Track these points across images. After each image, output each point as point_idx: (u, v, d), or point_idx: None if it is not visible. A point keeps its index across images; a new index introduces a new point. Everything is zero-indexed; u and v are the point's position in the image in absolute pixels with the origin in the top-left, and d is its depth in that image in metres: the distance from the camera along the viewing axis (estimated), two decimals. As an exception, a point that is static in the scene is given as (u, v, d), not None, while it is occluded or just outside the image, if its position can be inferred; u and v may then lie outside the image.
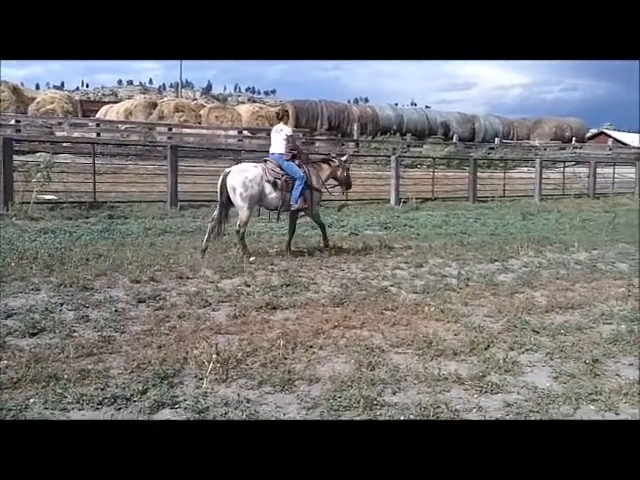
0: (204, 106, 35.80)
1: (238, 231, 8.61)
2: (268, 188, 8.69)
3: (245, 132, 29.51)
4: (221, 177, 8.63)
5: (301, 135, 30.48)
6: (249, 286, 6.84)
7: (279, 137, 9.02)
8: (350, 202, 16.59)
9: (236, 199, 8.52)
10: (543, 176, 21.80)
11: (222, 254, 8.63)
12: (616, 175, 25.08)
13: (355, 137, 32.51)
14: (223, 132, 28.86)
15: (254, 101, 75.02)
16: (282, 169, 8.82)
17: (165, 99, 39.94)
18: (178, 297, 6.30)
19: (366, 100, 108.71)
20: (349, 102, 60.40)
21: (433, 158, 23.91)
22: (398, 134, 34.68)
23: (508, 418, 3.75)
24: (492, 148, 33.71)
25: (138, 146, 21.98)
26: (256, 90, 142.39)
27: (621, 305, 6.58)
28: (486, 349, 4.92)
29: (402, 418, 3.68)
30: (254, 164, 8.93)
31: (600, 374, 4.46)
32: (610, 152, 39.26)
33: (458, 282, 7.45)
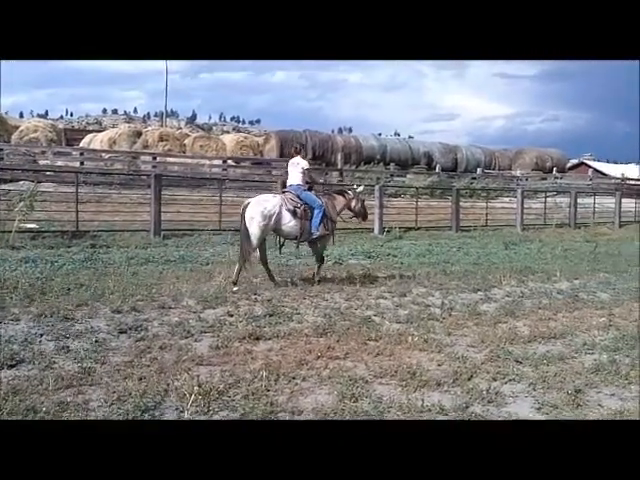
0: (189, 135, 35.88)
1: (244, 257, 8.78)
2: (287, 217, 8.92)
3: (229, 161, 29.57)
4: (242, 207, 8.88)
5: (285, 165, 30.63)
6: (232, 316, 6.81)
7: (296, 170, 9.36)
8: (335, 231, 16.59)
9: (251, 227, 8.71)
10: (525, 206, 22.00)
11: (205, 283, 8.58)
12: (596, 205, 25.39)
13: (339, 167, 32.66)
14: (207, 161, 28.87)
15: (239, 130, 75.37)
16: (301, 199, 9.10)
17: (149, 128, 40.07)
18: (160, 327, 6.25)
19: (350, 130, 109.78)
20: (333, 132, 60.93)
21: (416, 188, 24.06)
22: (382, 164, 34.89)
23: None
24: (474, 178, 34.00)
25: (122, 175, 21.96)
26: (241, 120, 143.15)
27: (602, 335, 6.62)
28: (469, 379, 4.92)
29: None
30: (273, 194, 9.39)
31: (582, 405, 4.47)
32: (590, 182, 39.71)
33: (441, 312, 7.46)
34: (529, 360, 5.51)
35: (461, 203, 20.75)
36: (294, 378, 4.83)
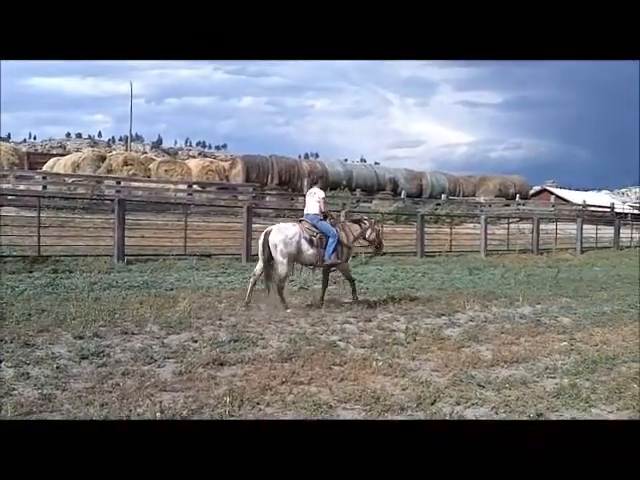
0: (154, 160, 35.74)
1: (278, 285, 9.24)
2: (305, 245, 9.37)
3: (195, 186, 29.47)
4: (262, 236, 9.35)
5: (251, 190, 30.62)
6: (196, 342, 6.75)
7: (313, 199, 9.81)
8: (300, 256, 16.63)
9: (277, 255, 9.15)
10: (488, 232, 22.31)
11: (170, 309, 8.50)
12: (559, 231, 25.86)
13: (305, 192, 32.77)
14: (172, 186, 28.74)
15: (205, 155, 75.21)
16: (316, 227, 9.56)
17: (114, 152, 39.79)
18: (122, 353, 6.17)
19: (316, 155, 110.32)
20: (300, 157, 61.13)
21: (382, 213, 24.24)
22: (347, 189, 35.14)
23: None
24: (439, 204, 34.40)
25: (85, 199, 21.70)
26: (207, 144, 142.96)
27: (564, 359, 6.71)
28: (432, 404, 4.94)
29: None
30: (292, 223, 9.77)
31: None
32: (552, 209, 40.55)
33: (406, 336, 7.49)
34: (492, 384, 5.56)
35: (426, 229, 20.97)
36: (258, 404, 4.80)
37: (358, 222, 10.56)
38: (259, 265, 9.41)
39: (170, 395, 4.95)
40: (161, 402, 4.59)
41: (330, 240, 9.54)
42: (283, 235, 9.18)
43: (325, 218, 9.80)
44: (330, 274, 10.30)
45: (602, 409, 5.05)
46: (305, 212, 9.87)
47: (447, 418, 4.60)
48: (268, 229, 9.40)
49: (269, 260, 9.23)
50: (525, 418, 4.68)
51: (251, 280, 9.41)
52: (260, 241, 9.36)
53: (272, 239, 9.17)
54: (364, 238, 10.42)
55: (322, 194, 9.93)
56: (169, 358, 6.09)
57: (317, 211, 9.70)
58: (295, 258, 9.40)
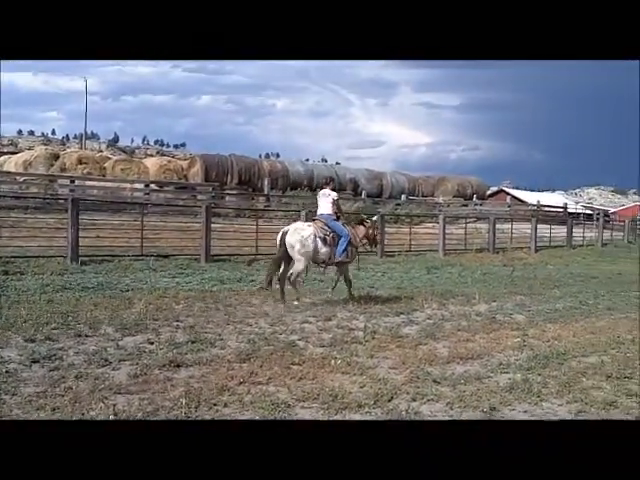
0: (109, 158, 35.18)
1: (293, 279, 9.92)
2: (320, 244, 9.87)
3: (152, 185, 29.11)
4: (280, 235, 9.85)
5: (210, 189, 30.40)
6: (152, 343, 6.68)
7: (326, 200, 10.25)
8: (260, 256, 16.56)
9: (294, 254, 9.69)
10: (446, 231, 22.54)
11: (125, 310, 8.38)
12: (514, 230, 26.28)
13: (266, 192, 32.69)
14: (129, 185, 28.34)
15: (163, 154, 74.24)
16: (330, 227, 10.04)
17: (68, 150, 39.04)
18: (76, 356, 6.05)
19: (277, 155, 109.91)
20: (260, 157, 60.97)
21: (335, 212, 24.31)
22: (308, 189, 35.17)
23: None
24: (399, 204, 34.70)
25: (38, 199, 21.24)
26: (165, 143, 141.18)
27: (517, 355, 6.84)
28: (389, 401, 4.98)
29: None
30: (307, 223, 10.36)
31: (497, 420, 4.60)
32: (508, 209, 41.19)
33: (364, 335, 7.53)
34: (447, 380, 5.64)
35: (386, 229, 21.08)
36: (215, 405, 4.76)
37: (362, 223, 11.09)
38: (271, 265, 10.09)
39: (125, 398, 4.87)
40: (115, 405, 4.53)
41: (342, 240, 10.05)
42: (299, 236, 9.68)
43: (338, 219, 10.30)
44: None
45: (553, 402, 5.17)
46: (319, 212, 10.33)
47: (404, 415, 4.65)
48: (285, 230, 9.88)
49: (286, 259, 9.79)
50: (479, 412, 4.77)
51: (279, 280, 9.91)
52: (277, 240, 9.89)
53: (289, 240, 9.67)
54: (366, 237, 10.93)
55: (335, 195, 10.39)
56: (124, 360, 5.99)
57: (331, 211, 10.19)
58: (311, 257, 9.93)
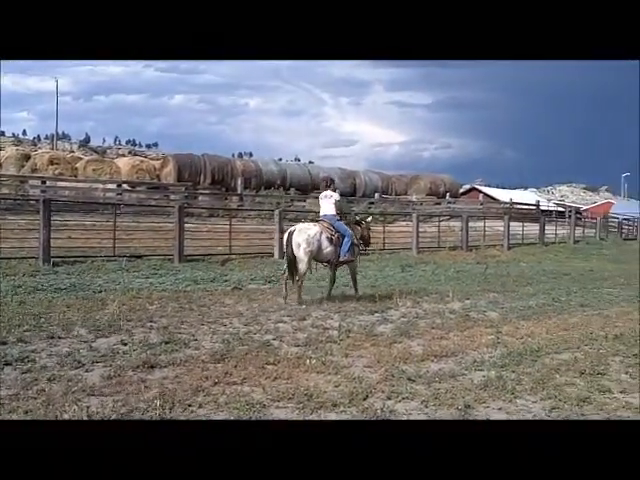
0: (81, 158, 34.83)
1: (297, 278, 9.98)
2: (325, 243, 10.11)
3: (125, 186, 28.84)
4: (287, 235, 10.10)
5: (183, 189, 30.21)
6: (126, 345, 6.61)
7: (329, 202, 10.57)
8: (234, 256, 16.53)
9: (299, 253, 9.86)
10: (420, 230, 22.68)
11: (98, 312, 8.29)
12: (487, 228, 26.54)
13: (239, 191, 32.58)
14: (101, 185, 28.06)
15: (135, 154, 73.58)
16: (334, 227, 10.31)
17: (39, 151, 38.56)
18: (48, 358, 5.98)
19: (250, 154, 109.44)
20: (233, 156, 60.68)
21: (316, 212, 24.30)
22: (282, 188, 35.15)
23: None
24: (372, 203, 34.81)
25: (8, 200, 20.93)
26: (137, 143, 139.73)
27: (491, 352, 6.89)
28: (365, 399, 4.99)
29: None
30: (313, 224, 10.43)
31: (472, 420, 4.63)
32: (481, 207, 41.53)
33: (339, 334, 7.54)
34: (422, 378, 5.66)
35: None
36: (190, 405, 4.73)
37: (358, 223, 11.32)
38: (285, 266, 10.18)
39: (98, 399, 4.82)
40: (88, 407, 4.47)
41: (346, 239, 10.34)
42: (306, 235, 9.90)
43: (341, 219, 10.65)
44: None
45: (527, 399, 5.21)
46: (322, 213, 10.58)
47: (379, 413, 4.66)
48: (292, 229, 10.13)
49: (292, 258, 9.93)
50: (454, 410, 4.80)
51: (284, 277, 10.12)
52: (284, 240, 10.16)
53: (295, 239, 9.87)
54: (362, 237, 11.13)
55: (337, 197, 10.76)
56: (97, 362, 5.93)
57: (334, 212, 10.50)
58: (315, 256, 10.11)
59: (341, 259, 10.44)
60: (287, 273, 10.04)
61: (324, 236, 10.11)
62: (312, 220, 10.93)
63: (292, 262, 9.98)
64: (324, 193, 10.87)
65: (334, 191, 10.91)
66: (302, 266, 9.93)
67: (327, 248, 10.16)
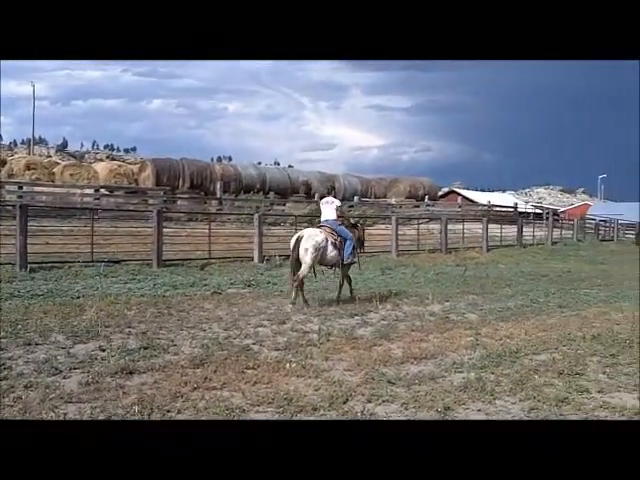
0: (58, 163, 34.48)
1: (299, 280, 10.24)
2: (330, 248, 10.49)
3: (103, 190, 28.61)
4: (294, 240, 10.38)
5: (162, 193, 30.04)
6: (104, 350, 6.55)
7: (331, 207, 10.96)
8: (213, 260, 16.46)
9: (306, 257, 10.18)
10: (399, 232, 22.73)
11: (76, 317, 8.21)
12: (466, 231, 26.67)
13: (218, 195, 32.46)
14: (79, 190, 27.79)
15: (113, 158, 72.96)
16: (337, 232, 10.71)
17: (16, 156, 38.12)
18: (25, 365, 5.90)
19: (230, 159, 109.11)
20: (213, 160, 60.46)
21: (295, 216, 24.33)
22: (261, 192, 35.07)
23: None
24: (352, 206, 34.82)
25: (-16, 206, 20.64)
26: (115, 147, 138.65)
27: (470, 354, 6.93)
28: (345, 403, 4.99)
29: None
30: (319, 230, 10.70)
31: (465, 420, 4.65)
32: (460, 209, 41.79)
33: (319, 337, 7.54)
34: (402, 381, 5.68)
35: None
36: (169, 411, 4.70)
37: (355, 226, 11.66)
38: (290, 268, 10.54)
39: (76, 406, 4.77)
40: (66, 414, 4.43)
41: (347, 243, 10.78)
42: (313, 241, 10.23)
43: (342, 223, 11.05)
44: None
45: (506, 400, 5.24)
46: (324, 218, 10.96)
47: (359, 416, 4.67)
48: (300, 235, 10.46)
49: (297, 261, 10.26)
50: (434, 412, 4.82)
51: (294, 283, 10.29)
52: (291, 245, 10.43)
53: (303, 244, 10.20)
54: (358, 238, 11.43)
55: (338, 202, 11.20)
56: (75, 368, 5.87)
57: (335, 217, 10.90)
58: (320, 260, 10.51)
59: (345, 262, 10.86)
60: (292, 276, 10.35)
61: (329, 241, 10.49)
62: (318, 225, 11.14)
63: (297, 265, 10.31)
64: (326, 199, 11.31)
65: (335, 197, 11.37)
66: (305, 268, 10.24)
67: (332, 252, 10.54)
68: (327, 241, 10.47)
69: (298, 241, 10.31)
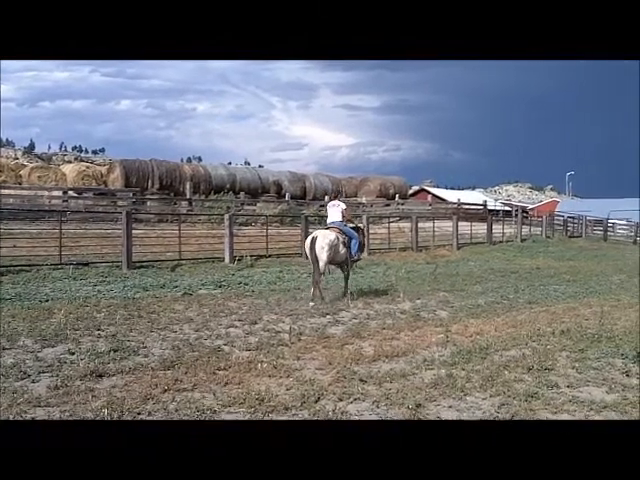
0: (25, 165, 33.99)
1: (317, 279, 10.97)
2: (340, 247, 11.29)
3: (71, 192, 28.22)
4: (310, 240, 11.13)
5: (131, 195, 29.75)
6: (73, 354, 6.48)
7: (337, 210, 11.78)
8: (184, 261, 16.34)
9: (322, 256, 10.89)
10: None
11: (45, 321, 8.09)
12: (436, 229, 26.82)
13: (188, 196, 32.25)
14: (47, 192, 27.40)
15: (81, 160, 72.06)
16: (344, 232, 11.53)
17: (-19, 158, 37.46)
18: (-8, 371, 5.80)
19: (199, 159, 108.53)
20: (182, 161, 60.05)
21: (266, 216, 24.31)
22: (231, 193, 34.92)
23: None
24: (322, 206, 34.82)
25: (-50, 209, 20.24)
26: (84, 149, 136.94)
27: (441, 351, 6.99)
28: (316, 402, 5.00)
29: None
30: (329, 230, 11.44)
31: (422, 418, 4.68)
32: (430, 207, 42.04)
33: (290, 337, 7.54)
34: (373, 378, 5.71)
35: (310, 230, 21.13)
36: (139, 414, 4.67)
37: (357, 228, 12.37)
38: (313, 267, 11.05)
39: (45, 410, 4.72)
40: (34, 418, 4.37)
41: (354, 241, 11.66)
42: (328, 240, 11.01)
43: (346, 224, 11.87)
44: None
45: (476, 396, 5.30)
46: (330, 220, 11.78)
47: (330, 415, 4.68)
48: (314, 235, 11.24)
49: (316, 259, 10.89)
50: (405, 409, 4.85)
51: (314, 279, 10.98)
52: (308, 246, 11.13)
53: (319, 243, 10.94)
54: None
55: (344, 205, 12.04)
56: (44, 372, 5.80)
57: (341, 219, 11.67)
58: (332, 258, 11.18)
59: (353, 258, 11.78)
60: (315, 273, 11.01)
61: (340, 240, 11.28)
62: (325, 227, 11.87)
63: (317, 263, 10.98)
64: (332, 202, 12.23)
65: (341, 202, 12.27)
66: (322, 265, 10.95)
67: (342, 250, 11.35)
68: (338, 239, 11.22)
69: (314, 241, 11.00)
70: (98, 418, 4.48)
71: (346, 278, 11.91)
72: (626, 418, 4.76)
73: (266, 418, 4.63)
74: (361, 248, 12.48)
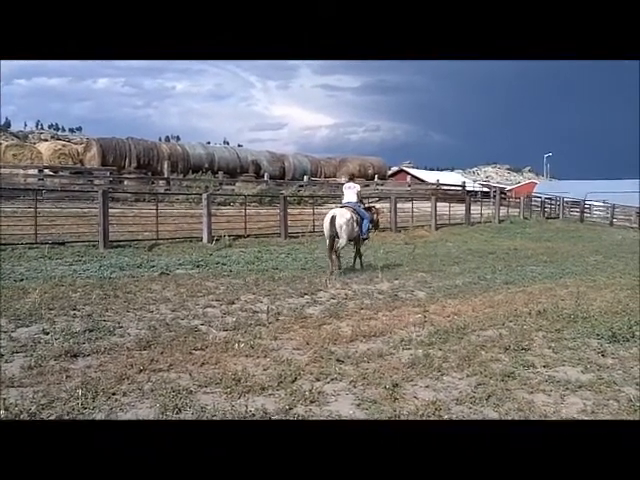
0: (0, 144, 33.40)
1: (337, 252, 12.16)
2: (354, 225, 12.24)
3: (47, 171, 27.82)
4: (329, 218, 12.02)
5: (108, 174, 29.40)
6: (48, 334, 6.39)
7: (352, 191, 12.87)
8: (161, 241, 16.22)
9: (342, 233, 11.96)
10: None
11: (19, 300, 7.98)
12: (415, 209, 26.91)
13: (166, 175, 31.94)
14: (22, 171, 26.98)
15: (58, 138, 71.11)
16: (357, 212, 12.52)
17: (-46, 136, 36.79)
18: (-36, 351, 5.72)
19: (178, 138, 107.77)
20: (160, 140, 59.47)
21: (245, 196, 24.16)
22: (210, 172, 34.65)
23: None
24: (301, 186, 34.76)
25: None
26: (60, 127, 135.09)
27: (419, 331, 7.00)
28: (293, 382, 4.99)
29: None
30: (345, 209, 12.41)
31: (399, 398, 4.69)
32: (409, 188, 42.11)
33: (267, 317, 7.51)
34: (350, 359, 5.71)
35: (289, 210, 21.08)
36: (114, 394, 4.62)
37: (369, 209, 13.50)
38: (328, 242, 11.94)
39: (18, 391, 4.65)
40: (5, 399, 4.30)
41: (365, 221, 12.66)
42: (345, 219, 12.00)
43: (361, 205, 12.91)
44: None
45: (453, 376, 5.32)
46: (346, 200, 12.79)
47: (307, 395, 4.67)
48: (333, 214, 12.13)
49: (335, 237, 11.91)
50: (382, 389, 4.86)
51: (331, 256, 11.99)
52: (327, 223, 12.03)
53: (338, 221, 11.94)
54: (372, 221, 13.17)
55: (358, 187, 13.17)
56: (17, 352, 5.72)
57: (356, 200, 12.72)
58: (350, 234, 12.15)
59: (363, 237, 12.75)
60: (330, 249, 11.92)
61: (354, 219, 12.20)
62: (341, 206, 12.79)
63: (334, 239, 11.94)
64: (347, 184, 13.28)
65: (356, 184, 13.31)
66: (343, 241, 12.02)
67: (355, 229, 12.28)
68: (353, 218, 12.15)
69: (333, 219, 11.91)
70: (72, 399, 4.43)
71: (357, 253, 12.96)
72: (600, 397, 4.82)
73: (241, 399, 4.62)
74: (376, 225, 13.75)
